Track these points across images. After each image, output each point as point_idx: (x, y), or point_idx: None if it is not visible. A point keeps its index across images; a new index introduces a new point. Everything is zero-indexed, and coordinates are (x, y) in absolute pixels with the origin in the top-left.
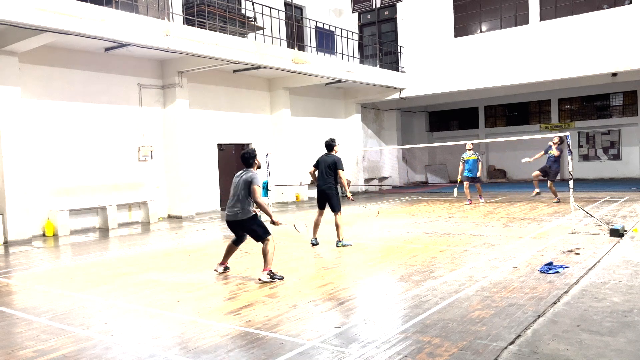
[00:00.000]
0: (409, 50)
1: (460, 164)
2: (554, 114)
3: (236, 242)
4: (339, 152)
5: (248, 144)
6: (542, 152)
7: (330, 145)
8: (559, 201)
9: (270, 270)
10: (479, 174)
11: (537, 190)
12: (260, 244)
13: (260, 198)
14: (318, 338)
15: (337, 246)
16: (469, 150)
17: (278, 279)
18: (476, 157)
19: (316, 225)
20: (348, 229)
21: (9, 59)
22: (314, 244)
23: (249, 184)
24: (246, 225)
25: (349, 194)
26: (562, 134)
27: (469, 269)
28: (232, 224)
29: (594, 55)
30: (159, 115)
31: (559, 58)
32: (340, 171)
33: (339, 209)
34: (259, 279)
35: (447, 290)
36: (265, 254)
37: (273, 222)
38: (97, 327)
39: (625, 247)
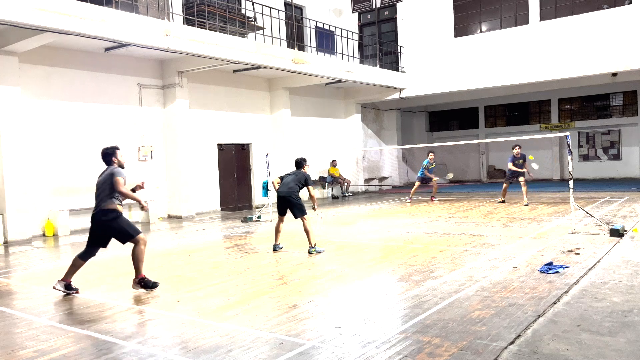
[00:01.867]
0: (409, 50)
1: (425, 170)
2: (554, 114)
3: (83, 257)
4: (307, 171)
5: (248, 144)
6: (511, 163)
7: (299, 163)
8: (503, 202)
9: (142, 278)
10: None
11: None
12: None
13: (123, 187)
14: (318, 338)
15: (310, 253)
16: (431, 159)
17: (150, 287)
18: (434, 166)
19: (277, 231)
20: (349, 229)
21: (9, 59)
22: (276, 249)
23: (110, 176)
24: (103, 225)
25: (316, 206)
26: (561, 134)
27: (469, 269)
28: (92, 222)
29: (594, 55)
30: (159, 115)
31: (559, 58)
32: (310, 187)
33: (304, 213)
34: (134, 286)
35: (447, 290)
36: (133, 259)
37: (142, 207)
38: (97, 327)
39: (625, 247)
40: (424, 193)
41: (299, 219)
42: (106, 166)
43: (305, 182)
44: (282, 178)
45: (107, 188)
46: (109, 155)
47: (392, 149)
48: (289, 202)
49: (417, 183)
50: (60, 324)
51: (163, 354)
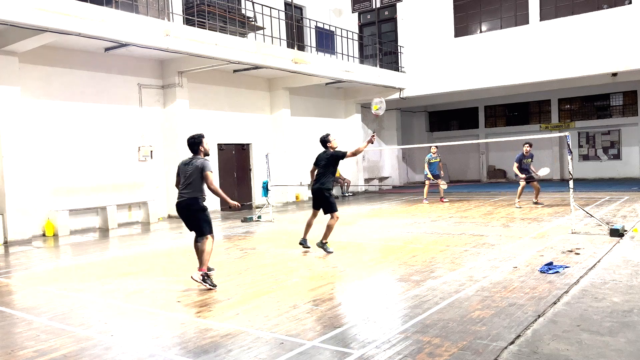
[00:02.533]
0: (409, 50)
1: (426, 164)
2: (554, 114)
3: (196, 239)
4: (338, 147)
5: (248, 144)
6: (516, 163)
7: (324, 141)
8: (520, 207)
9: (205, 272)
10: (441, 174)
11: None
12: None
13: (214, 184)
14: (318, 338)
15: (317, 246)
16: (434, 153)
17: (209, 285)
18: (439, 160)
19: (308, 224)
20: (349, 229)
21: (9, 59)
22: (303, 244)
23: (201, 170)
24: (195, 214)
25: (372, 136)
26: (561, 134)
27: (469, 269)
28: (180, 209)
29: (594, 55)
30: (159, 115)
31: (559, 58)
32: (347, 155)
33: (335, 210)
34: (192, 277)
35: (447, 290)
36: (202, 251)
37: (230, 206)
38: (97, 327)
39: (625, 247)
40: (433, 194)
41: (328, 215)
42: (192, 154)
43: (336, 161)
44: (316, 165)
45: (198, 179)
46: (196, 144)
47: (392, 149)
48: (319, 197)
49: (427, 182)
50: (60, 324)
51: (163, 354)
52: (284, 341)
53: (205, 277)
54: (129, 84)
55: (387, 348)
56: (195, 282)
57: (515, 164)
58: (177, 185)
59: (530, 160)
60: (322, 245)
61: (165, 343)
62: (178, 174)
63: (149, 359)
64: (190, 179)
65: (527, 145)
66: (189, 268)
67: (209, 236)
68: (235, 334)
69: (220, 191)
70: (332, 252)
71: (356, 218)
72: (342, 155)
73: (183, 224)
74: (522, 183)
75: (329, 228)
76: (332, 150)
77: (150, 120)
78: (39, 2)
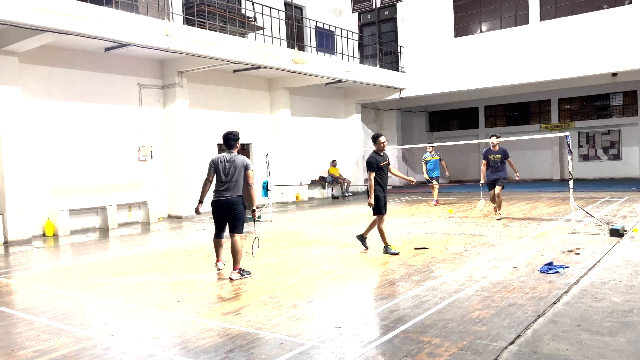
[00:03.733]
0: (409, 50)
1: (423, 164)
2: (554, 114)
3: (219, 235)
4: (385, 148)
5: (248, 144)
6: (484, 161)
7: (373, 138)
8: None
9: (240, 268)
10: (447, 173)
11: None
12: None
13: (253, 183)
14: (318, 338)
15: (385, 252)
16: (430, 151)
17: (247, 274)
18: (438, 157)
19: (380, 232)
20: (349, 229)
21: (9, 59)
22: (388, 252)
23: (245, 168)
24: (237, 213)
25: (372, 200)
26: (561, 134)
27: (469, 269)
28: (222, 207)
29: (594, 55)
30: (159, 115)
31: (559, 58)
32: (369, 172)
33: (377, 213)
34: (231, 278)
35: (447, 290)
36: (236, 251)
37: (253, 211)
38: (97, 327)
39: (625, 247)
40: (424, 193)
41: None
42: (227, 149)
43: (368, 168)
44: None
45: (241, 177)
46: (235, 139)
47: (392, 149)
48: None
49: (433, 183)
50: (60, 324)
51: (163, 354)
52: (284, 341)
53: (242, 272)
54: (129, 84)
55: (387, 348)
56: (234, 280)
57: (483, 162)
58: (209, 180)
59: (500, 156)
60: (386, 249)
61: (165, 343)
62: (213, 171)
63: (149, 359)
64: (233, 177)
65: (494, 137)
66: (190, 268)
67: (240, 235)
68: (235, 334)
69: (254, 191)
70: (397, 254)
71: (356, 218)
72: (367, 167)
73: (183, 224)
74: (489, 190)
75: (381, 232)
76: (370, 154)
77: (150, 120)
78: (39, 2)
